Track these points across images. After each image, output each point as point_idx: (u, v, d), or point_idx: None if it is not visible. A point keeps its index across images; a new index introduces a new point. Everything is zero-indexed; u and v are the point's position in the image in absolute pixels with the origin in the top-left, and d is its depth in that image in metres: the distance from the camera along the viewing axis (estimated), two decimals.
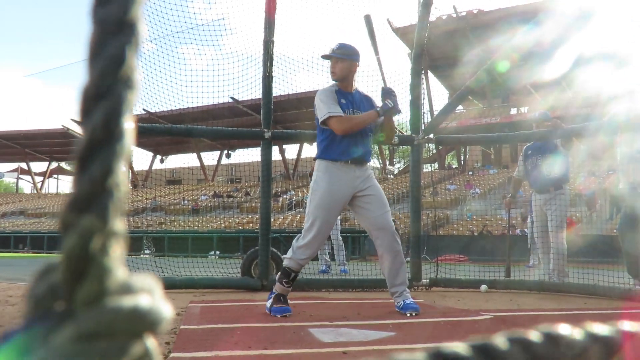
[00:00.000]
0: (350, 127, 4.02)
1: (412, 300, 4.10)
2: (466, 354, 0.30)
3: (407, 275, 4.28)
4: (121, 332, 0.30)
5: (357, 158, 4.09)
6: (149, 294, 0.33)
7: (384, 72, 4.36)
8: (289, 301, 4.11)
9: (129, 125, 0.33)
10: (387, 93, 4.12)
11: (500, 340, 0.31)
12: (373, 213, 4.09)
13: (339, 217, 9.75)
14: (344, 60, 4.15)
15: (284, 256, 4.19)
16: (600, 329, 0.33)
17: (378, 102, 4.22)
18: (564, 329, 0.32)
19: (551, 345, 0.31)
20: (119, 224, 0.32)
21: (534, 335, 0.32)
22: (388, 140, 4.46)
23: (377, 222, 4.08)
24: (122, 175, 0.32)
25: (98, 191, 0.31)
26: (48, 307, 0.31)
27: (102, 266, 0.31)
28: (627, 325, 0.34)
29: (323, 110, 4.03)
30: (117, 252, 0.32)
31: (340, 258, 9.83)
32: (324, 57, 4.31)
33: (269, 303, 4.00)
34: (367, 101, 4.26)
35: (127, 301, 0.31)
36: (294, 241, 4.08)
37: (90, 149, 0.31)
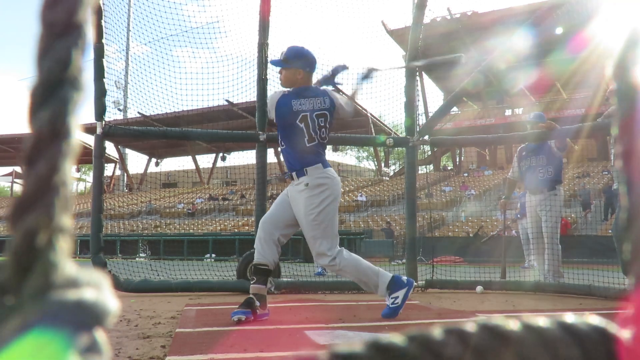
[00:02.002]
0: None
1: (391, 304, 3.99)
2: (403, 344, 0.31)
3: (373, 283, 4.06)
4: (66, 324, 0.31)
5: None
6: (95, 288, 0.33)
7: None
8: (285, 304, 4.09)
9: (75, 125, 0.33)
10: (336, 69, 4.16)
11: (436, 331, 0.32)
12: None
13: None
14: (286, 69, 4.06)
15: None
16: (537, 320, 0.34)
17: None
18: (501, 321, 0.33)
19: (487, 335, 0.32)
20: (66, 220, 0.33)
21: (470, 326, 0.32)
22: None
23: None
24: (68, 173, 0.33)
25: (44, 189, 0.32)
26: None
27: (48, 261, 0.32)
28: (569, 318, 0.35)
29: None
30: (63, 247, 0.33)
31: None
32: (273, 63, 4.23)
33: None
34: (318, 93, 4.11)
35: (72, 294, 0.32)
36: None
37: (37, 147, 0.32)
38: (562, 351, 0.32)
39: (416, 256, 6.43)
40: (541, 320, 0.35)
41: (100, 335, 0.33)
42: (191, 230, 30.07)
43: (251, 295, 3.88)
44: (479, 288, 6.08)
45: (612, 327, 0.35)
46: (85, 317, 0.31)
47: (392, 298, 3.98)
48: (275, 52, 6.16)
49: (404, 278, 4.09)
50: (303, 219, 3.91)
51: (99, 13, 5.52)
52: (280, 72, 4.12)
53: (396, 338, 0.31)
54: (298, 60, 4.04)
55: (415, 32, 6.42)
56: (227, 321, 3.76)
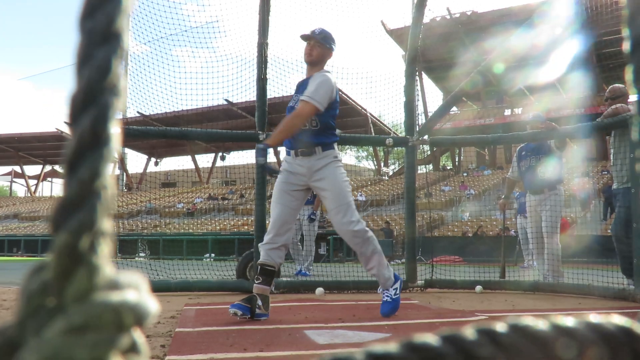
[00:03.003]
0: (290, 125, 3.93)
1: (390, 298, 4.03)
2: (436, 344, 0.31)
3: (385, 272, 4.09)
4: (109, 325, 0.31)
5: (292, 149, 4.06)
6: (135, 289, 0.34)
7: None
8: (285, 303, 4.10)
9: (115, 130, 0.34)
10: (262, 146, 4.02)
11: (469, 331, 0.32)
12: (328, 210, 4.05)
13: (314, 223, 9.74)
14: (323, 45, 4.09)
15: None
16: (565, 321, 0.34)
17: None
18: (530, 321, 0.34)
19: (517, 335, 0.32)
20: (107, 224, 0.34)
21: (500, 326, 0.33)
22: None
23: (332, 219, 4.06)
24: (109, 177, 0.34)
25: (86, 193, 0.33)
26: (40, 303, 0.32)
27: (91, 264, 0.32)
28: (594, 318, 0.35)
29: (323, 97, 3.93)
30: (105, 250, 0.33)
31: (306, 262, 9.78)
32: (305, 37, 4.13)
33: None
34: (305, 84, 4.06)
35: (115, 296, 0.33)
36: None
37: (79, 153, 0.33)
38: (590, 351, 0.33)
39: (415, 256, 6.44)
40: (569, 320, 0.35)
41: (139, 335, 0.34)
42: (190, 230, 30.07)
43: (255, 294, 3.89)
44: (478, 288, 6.09)
45: (638, 327, 0.35)
46: (127, 317, 0.32)
47: (393, 289, 4.03)
48: (274, 52, 6.18)
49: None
50: (335, 188, 3.95)
51: None
52: (312, 48, 4.08)
53: (430, 338, 0.32)
54: (334, 43, 4.15)
55: (415, 32, 6.42)
56: (227, 321, 3.76)
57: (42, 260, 0.34)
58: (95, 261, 0.33)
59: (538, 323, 0.34)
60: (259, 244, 4.05)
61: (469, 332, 0.32)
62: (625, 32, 0.39)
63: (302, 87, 4.06)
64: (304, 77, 4.24)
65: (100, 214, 0.33)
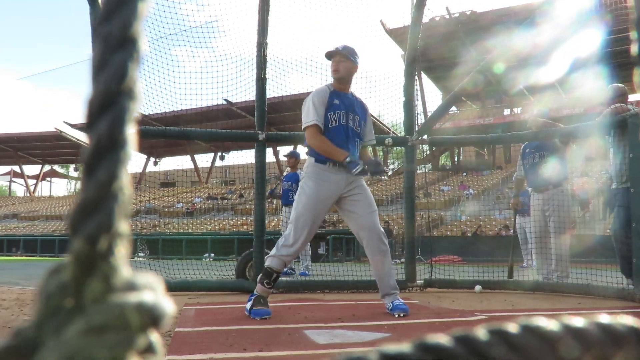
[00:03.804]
0: (318, 147, 4.05)
1: (401, 301, 4.12)
2: (449, 344, 0.32)
3: (395, 279, 4.28)
4: (127, 326, 0.32)
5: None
6: (152, 290, 0.35)
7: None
8: (284, 303, 4.11)
9: (131, 134, 0.35)
10: (371, 162, 4.07)
11: (480, 332, 0.33)
12: (359, 214, 4.11)
13: None
14: (348, 60, 4.18)
15: (267, 256, 4.16)
16: (575, 320, 0.35)
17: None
18: (540, 321, 0.34)
19: (528, 335, 0.33)
20: (124, 226, 0.34)
21: (512, 327, 0.33)
22: None
23: (363, 223, 4.10)
24: (126, 179, 0.34)
25: (104, 195, 0.33)
26: (58, 304, 0.33)
27: (109, 265, 0.33)
28: (603, 318, 0.35)
29: (309, 115, 4.07)
30: (122, 252, 0.34)
31: (306, 263, 9.85)
32: (329, 54, 4.26)
33: (248, 305, 3.97)
34: (361, 108, 4.29)
35: (132, 297, 0.33)
36: (279, 240, 4.08)
37: (96, 156, 0.34)
38: (601, 352, 0.33)
39: (415, 255, 6.44)
40: (579, 321, 0.35)
41: (155, 336, 0.34)
42: (190, 230, 30.08)
43: (261, 295, 4.00)
44: (477, 287, 6.09)
45: None
46: (145, 318, 0.33)
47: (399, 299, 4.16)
48: (274, 51, 6.17)
49: None
50: (369, 195, 4.20)
51: (97, 12, 5.51)
52: (338, 63, 4.18)
53: (442, 338, 0.32)
54: (357, 57, 4.26)
55: (414, 32, 6.41)
56: (227, 321, 3.76)
57: (60, 262, 0.34)
58: (112, 262, 0.33)
59: (549, 323, 0.35)
60: (278, 254, 4.03)
61: (480, 333, 0.33)
62: (634, 35, 0.38)
63: (356, 109, 4.25)
64: (322, 85, 4.33)
65: (118, 216, 0.33)
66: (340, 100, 4.15)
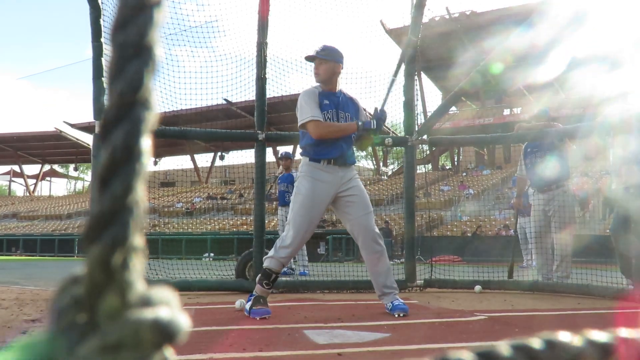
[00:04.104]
0: (327, 133, 4.05)
1: (401, 300, 4.12)
2: (506, 353, 0.31)
3: (393, 278, 4.29)
4: (142, 344, 0.31)
5: (339, 159, 4.10)
6: (167, 306, 0.34)
7: (390, 91, 4.47)
8: (284, 303, 4.11)
9: (147, 145, 0.34)
10: (377, 115, 4.14)
11: (503, 347, 0.32)
12: (354, 214, 4.12)
13: None
14: (327, 61, 4.17)
15: (265, 257, 4.17)
16: (598, 335, 0.34)
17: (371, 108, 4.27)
18: (563, 336, 0.33)
19: (552, 351, 0.32)
20: (139, 240, 0.34)
21: (535, 342, 0.33)
22: (360, 149, 4.50)
23: (358, 224, 4.10)
24: (142, 192, 0.34)
25: (119, 208, 0.33)
26: (71, 319, 0.32)
27: (124, 280, 0.32)
28: (624, 332, 0.35)
29: (304, 113, 4.08)
30: (137, 266, 0.33)
31: (304, 262, 9.90)
32: (308, 58, 4.30)
33: (248, 305, 3.99)
34: (352, 103, 4.29)
35: (148, 313, 0.33)
36: (277, 241, 4.08)
37: (112, 168, 0.33)
38: None
39: (415, 255, 6.44)
40: (602, 335, 0.35)
41: (169, 352, 0.34)
42: (189, 230, 30.06)
43: (261, 295, 4.02)
44: (477, 287, 6.09)
45: None
46: (161, 335, 0.32)
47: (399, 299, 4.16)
48: (274, 51, 6.16)
49: None
50: (364, 197, 4.18)
51: (97, 12, 5.51)
52: (318, 67, 4.21)
53: (464, 355, 0.32)
54: (338, 56, 4.24)
55: (414, 32, 6.41)
56: (226, 320, 3.76)
57: (74, 275, 0.33)
58: (128, 277, 0.32)
59: (571, 338, 0.34)
60: (276, 255, 4.04)
61: (503, 348, 0.32)
62: None
63: (347, 106, 4.23)
64: (316, 85, 4.30)
65: (133, 230, 0.33)
66: (330, 100, 4.17)
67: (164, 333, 0.32)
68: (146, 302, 0.33)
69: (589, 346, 0.33)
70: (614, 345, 0.33)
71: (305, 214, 4.02)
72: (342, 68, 4.26)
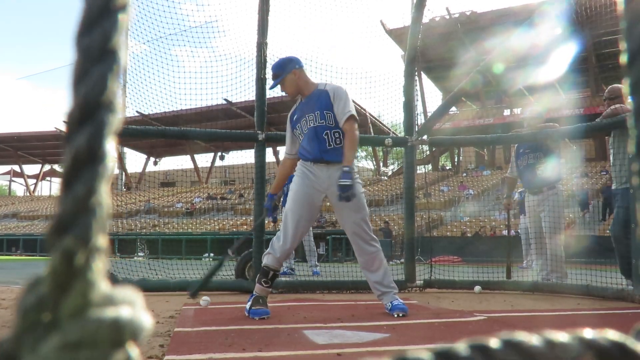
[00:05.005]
0: (276, 178, 4.44)
1: (400, 301, 4.11)
2: (464, 353, 0.31)
3: (391, 278, 4.28)
4: (104, 342, 0.32)
5: (315, 159, 4.09)
6: (130, 305, 0.34)
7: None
8: (283, 303, 4.12)
9: (111, 147, 0.34)
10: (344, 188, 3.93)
11: (460, 346, 0.32)
12: (347, 215, 4.11)
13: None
14: (285, 78, 4.19)
15: (263, 255, 4.19)
16: (560, 336, 0.34)
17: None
18: (523, 336, 0.33)
19: (511, 351, 0.32)
20: (102, 241, 0.34)
21: (493, 342, 0.33)
22: None
23: (351, 225, 4.11)
24: (105, 194, 0.34)
25: (81, 210, 0.33)
26: (36, 318, 0.32)
27: (86, 280, 0.33)
28: (589, 333, 0.35)
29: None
30: (99, 266, 0.34)
31: (312, 262, 9.94)
32: (271, 88, 4.44)
33: (248, 305, 3.99)
34: (321, 98, 4.16)
35: (110, 312, 0.33)
36: (274, 238, 4.10)
37: (74, 170, 0.33)
38: None
39: (414, 256, 6.44)
40: (598, 335, 0.35)
41: (133, 350, 0.34)
42: (189, 230, 30.05)
43: (260, 295, 4.02)
44: (477, 288, 6.09)
45: (631, 343, 0.35)
46: (122, 333, 0.33)
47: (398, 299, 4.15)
48: (274, 51, 6.16)
49: None
50: (360, 205, 4.10)
51: None
52: (283, 88, 4.28)
53: (422, 353, 0.32)
54: (288, 65, 4.22)
55: (414, 32, 6.41)
56: (226, 320, 3.76)
57: (39, 275, 0.34)
58: (90, 277, 0.33)
59: (567, 337, 0.34)
60: (272, 252, 4.05)
61: (461, 348, 0.32)
62: (623, 44, 0.39)
63: (315, 105, 4.16)
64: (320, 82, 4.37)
65: (96, 231, 0.33)
66: (299, 111, 4.22)
67: (125, 332, 0.33)
68: (108, 302, 0.33)
69: (584, 346, 0.33)
70: (611, 346, 0.33)
71: (296, 210, 4.05)
72: (299, 69, 4.23)
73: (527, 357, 0.32)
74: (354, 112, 4.08)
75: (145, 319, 0.34)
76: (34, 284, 0.34)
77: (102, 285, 0.34)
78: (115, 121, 0.34)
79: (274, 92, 6.35)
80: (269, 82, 5.97)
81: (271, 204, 4.39)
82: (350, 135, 4.03)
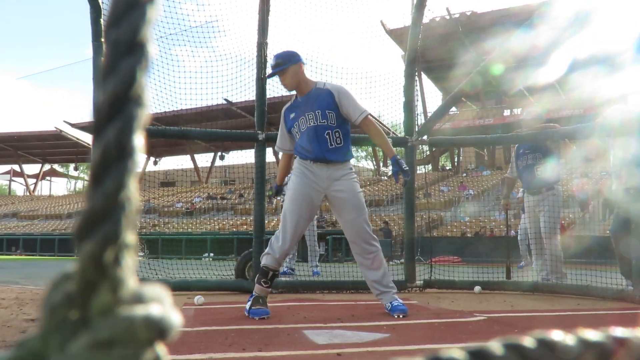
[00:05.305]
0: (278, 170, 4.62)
1: (400, 301, 4.11)
2: (462, 358, 0.31)
3: (390, 278, 4.28)
4: (134, 340, 0.31)
5: (317, 158, 4.07)
6: (159, 302, 0.34)
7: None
8: (283, 303, 4.11)
9: (139, 141, 0.34)
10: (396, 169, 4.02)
11: (495, 346, 0.32)
12: (345, 215, 4.11)
13: (313, 222, 9.83)
14: (286, 69, 4.14)
15: (262, 255, 4.18)
16: (594, 335, 0.34)
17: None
18: (558, 335, 0.33)
19: (545, 351, 0.32)
20: (131, 236, 0.34)
21: (528, 341, 0.32)
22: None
23: (349, 226, 4.10)
24: (134, 189, 0.34)
25: (111, 205, 0.33)
26: (63, 315, 0.32)
27: (116, 277, 0.32)
28: (620, 332, 0.34)
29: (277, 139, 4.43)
30: (129, 263, 0.34)
31: (313, 262, 9.94)
32: (269, 76, 4.38)
33: (247, 305, 3.99)
34: (321, 97, 4.14)
35: (140, 310, 0.33)
36: (272, 238, 4.09)
37: (104, 165, 0.33)
38: None
39: (414, 256, 6.43)
40: (598, 334, 0.34)
41: (162, 349, 0.34)
42: (189, 229, 30.06)
43: (260, 295, 4.02)
44: (477, 288, 6.08)
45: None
46: (152, 332, 0.32)
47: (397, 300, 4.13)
48: (274, 51, 6.16)
49: None
50: (355, 199, 4.09)
51: (97, 12, 5.51)
52: (282, 79, 4.21)
53: (456, 353, 0.31)
54: (292, 57, 4.19)
55: (415, 32, 6.41)
56: (226, 320, 3.76)
57: (66, 271, 0.33)
58: (119, 274, 0.32)
59: (566, 338, 0.34)
60: (271, 252, 4.05)
61: (495, 347, 0.31)
62: None
63: (315, 104, 4.13)
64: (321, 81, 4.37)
65: (125, 227, 0.33)
66: (296, 109, 4.18)
67: (156, 330, 0.32)
68: (138, 299, 0.33)
69: (584, 346, 0.33)
70: (611, 345, 0.33)
71: (294, 209, 4.04)
72: (303, 65, 4.21)
73: (562, 356, 0.31)
74: (368, 110, 4.16)
75: (175, 317, 0.34)
76: (59, 281, 0.33)
77: (132, 282, 0.33)
78: (144, 115, 0.34)
79: (274, 92, 6.36)
80: (269, 81, 6.00)
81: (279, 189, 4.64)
82: (375, 131, 4.22)
